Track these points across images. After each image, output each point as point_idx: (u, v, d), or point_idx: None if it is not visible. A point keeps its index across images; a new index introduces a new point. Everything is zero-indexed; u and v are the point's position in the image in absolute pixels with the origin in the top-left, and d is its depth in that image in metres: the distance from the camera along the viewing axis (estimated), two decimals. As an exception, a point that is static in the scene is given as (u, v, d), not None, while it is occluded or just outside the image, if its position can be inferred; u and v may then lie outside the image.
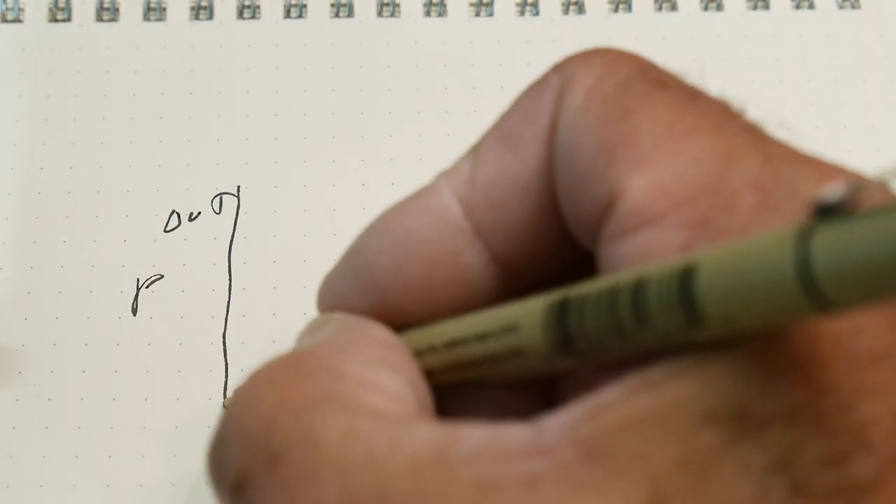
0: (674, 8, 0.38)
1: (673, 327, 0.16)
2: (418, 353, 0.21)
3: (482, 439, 0.17)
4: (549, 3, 0.37)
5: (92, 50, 0.36)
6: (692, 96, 0.20)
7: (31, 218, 0.34)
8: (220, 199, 0.34)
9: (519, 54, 0.37)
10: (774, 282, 0.15)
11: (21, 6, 0.36)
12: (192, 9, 0.37)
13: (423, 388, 0.20)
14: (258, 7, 0.37)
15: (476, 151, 0.22)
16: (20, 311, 0.32)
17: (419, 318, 0.22)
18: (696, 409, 0.16)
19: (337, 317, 0.23)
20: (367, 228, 0.23)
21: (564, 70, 0.21)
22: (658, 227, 0.18)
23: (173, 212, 0.34)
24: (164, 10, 0.37)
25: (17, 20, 0.36)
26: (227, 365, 0.32)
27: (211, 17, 0.37)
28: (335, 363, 0.20)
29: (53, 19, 0.36)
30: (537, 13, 0.37)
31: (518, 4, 0.37)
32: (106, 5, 0.37)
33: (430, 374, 0.21)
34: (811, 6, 0.38)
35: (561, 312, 0.18)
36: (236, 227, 0.34)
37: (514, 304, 0.20)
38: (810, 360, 0.16)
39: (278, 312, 0.32)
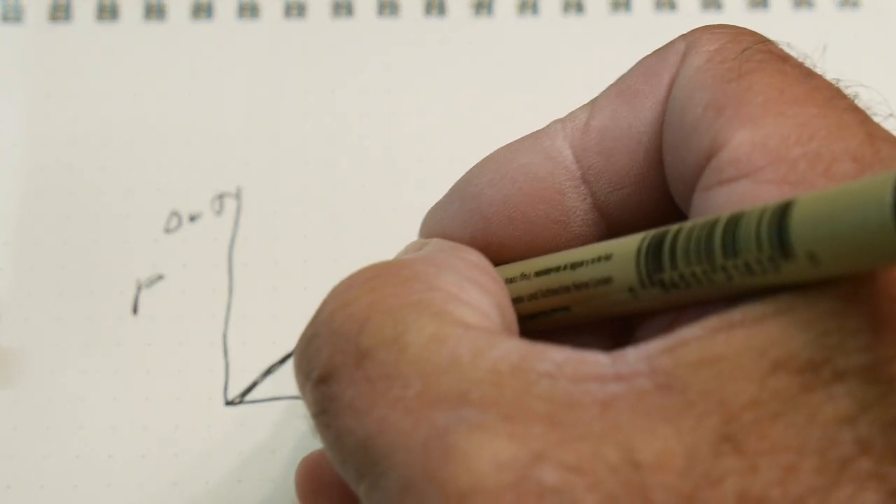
0: (673, 8, 0.38)
1: (762, 261, 0.17)
2: (509, 282, 0.22)
3: (563, 359, 0.18)
4: (549, 3, 0.37)
5: (92, 50, 0.36)
6: (808, 72, 0.21)
7: (32, 218, 0.34)
8: (221, 200, 0.34)
9: (519, 54, 0.37)
10: (868, 218, 0.15)
11: (21, 6, 0.36)
12: (192, 9, 0.37)
13: (509, 313, 0.21)
14: (258, 7, 0.37)
15: (594, 103, 0.23)
16: (20, 311, 0.32)
17: (515, 255, 0.23)
18: (774, 354, 0.17)
19: (435, 240, 0.24)
20: (478, 163, 0.24)
21: (691, 37, 0.22)
22: (754, 180, 0.18)
23: (173, 212, 0.34)
24: (164, 10, 0.37)
25: (17, 20, 0.36)
26: (227, 365, 0.32)
27: (211, 17, 0.37)
28: (429, 275, 0.20)
29: (53, 19, 0.36)
30: (537, 13, 0.37)
31: (518, 4, 0.37)
32: (106, 5, 0.37)
33: (517, 302, 0.22)
34: (811, 6, 0.38)
35: (656, 243, 0.19)
36: (237, 228, 0.34)
37: (612, 241, 0.20)
38: (888, 323, 0.17)
39: (278, 313, 0.32)
